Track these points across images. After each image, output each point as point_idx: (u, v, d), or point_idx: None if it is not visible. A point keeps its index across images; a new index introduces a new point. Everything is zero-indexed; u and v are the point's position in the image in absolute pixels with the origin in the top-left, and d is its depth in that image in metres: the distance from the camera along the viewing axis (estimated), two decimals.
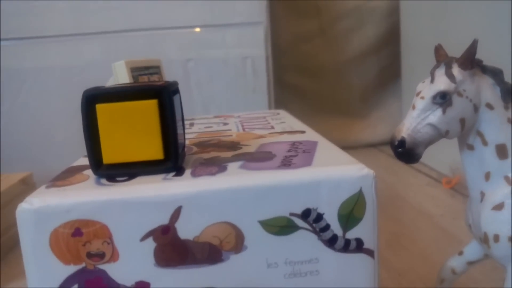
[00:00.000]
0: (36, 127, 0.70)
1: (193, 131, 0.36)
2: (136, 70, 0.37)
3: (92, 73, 0.63)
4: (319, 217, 0.21)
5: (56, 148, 0.70)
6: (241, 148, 0.27)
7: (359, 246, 0.22)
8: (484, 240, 0.26)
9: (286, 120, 0.38)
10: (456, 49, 0.27)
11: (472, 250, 0.29)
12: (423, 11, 0.73)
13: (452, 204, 0.58)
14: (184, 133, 0.26)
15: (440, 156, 0.64)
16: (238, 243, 0.21)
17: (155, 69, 0.39)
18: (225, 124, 0.38)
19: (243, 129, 0.35)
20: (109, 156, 0.22)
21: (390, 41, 0.91)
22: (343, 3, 0.91)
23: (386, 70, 0.94)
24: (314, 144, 0.27)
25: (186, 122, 0.40)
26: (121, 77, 0.35)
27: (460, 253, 0.30)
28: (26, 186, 0.56)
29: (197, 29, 0.70)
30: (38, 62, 0.69)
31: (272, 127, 0.34)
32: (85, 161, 0.26)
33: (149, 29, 0.70)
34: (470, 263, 0.30)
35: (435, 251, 0.45)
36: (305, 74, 0.93)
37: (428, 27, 0.71)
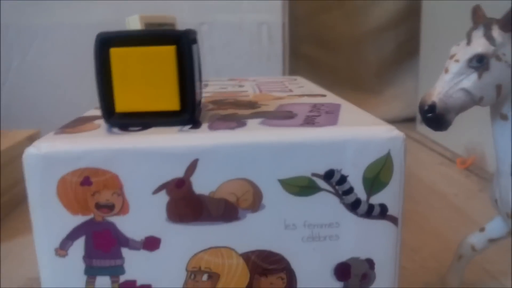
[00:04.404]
0: (45, 85, 0.69)
1: (208, 90, 0.34)
2: (150, 26, 0.35)
3: None
4: (343, 179, 0.20)
5: (65, 107, 0.68)
6: (260, 107, 0.26)
7: (383, 212, 0.20)
8: None
9: (305, 85, 0.37)
10: None
11: (495, 226, 0.28)
12: None
13: (467, 183, 0.57)
14: (201, 88, 0.25)
15: (455, 136, 0.62)
16: (256, 202, 0.20)
17: (170, 26, 0.37)
18: (241, 86, 0.37)
19: (260, 91, 0.33)
20: (122, 104, 0.21)
21: (410, 16, 0.88)
22: None
23: (403, 46, 0.92)
24: (337, 106, 0.26)
25: None
26: None
27: (482, 229, 0.29)
28: None
29: None
30: (49, 19, 0.67)
31: (291, 90, 0.33)
32: (95, 112, 0.25)
33: None
34: (492, 241, 0.29)
35: (448, 229, 0.44)
36: (321, 45, 0.91)
37: (451, 3, 0.69)
